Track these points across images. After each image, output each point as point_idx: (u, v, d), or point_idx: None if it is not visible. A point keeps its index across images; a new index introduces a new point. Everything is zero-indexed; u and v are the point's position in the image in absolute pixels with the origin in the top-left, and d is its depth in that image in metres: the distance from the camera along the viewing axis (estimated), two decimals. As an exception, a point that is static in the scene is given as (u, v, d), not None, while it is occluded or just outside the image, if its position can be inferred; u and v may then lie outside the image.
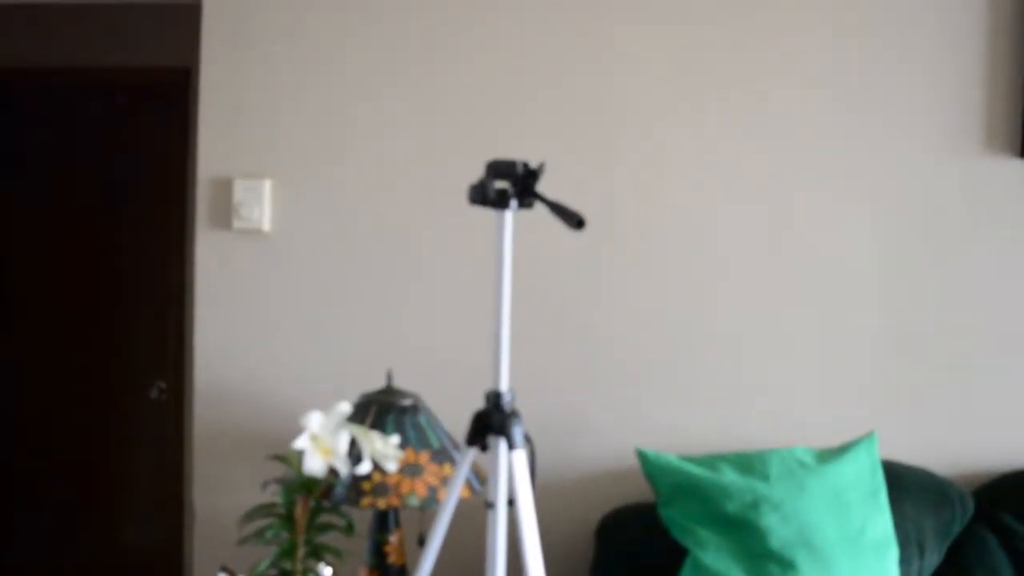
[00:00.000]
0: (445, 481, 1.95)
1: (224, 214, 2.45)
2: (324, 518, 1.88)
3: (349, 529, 1.88)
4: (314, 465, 1.70)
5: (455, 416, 2.34)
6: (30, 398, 3.81)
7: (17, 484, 3.84)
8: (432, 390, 2.38)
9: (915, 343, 2.35)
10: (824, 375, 2.36)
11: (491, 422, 1.58)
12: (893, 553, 1.99)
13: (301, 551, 1.83)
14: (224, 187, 2.45)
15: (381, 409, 2.02)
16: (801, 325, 2.37)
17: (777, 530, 1.91)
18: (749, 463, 2.04)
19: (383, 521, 2.05)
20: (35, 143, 3.78)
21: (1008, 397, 2.34)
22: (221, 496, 2.45)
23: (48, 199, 3.77)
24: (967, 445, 2.35)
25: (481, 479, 2.05)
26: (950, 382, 2.35)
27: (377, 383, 2.40)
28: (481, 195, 1.57)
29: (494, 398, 1.60)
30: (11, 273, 3.81)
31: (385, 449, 1.79)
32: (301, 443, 1.70)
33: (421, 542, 2.06)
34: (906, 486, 2.16)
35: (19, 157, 3.79)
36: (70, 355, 3.78)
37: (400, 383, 2.39)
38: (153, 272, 3.72)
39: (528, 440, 1.61)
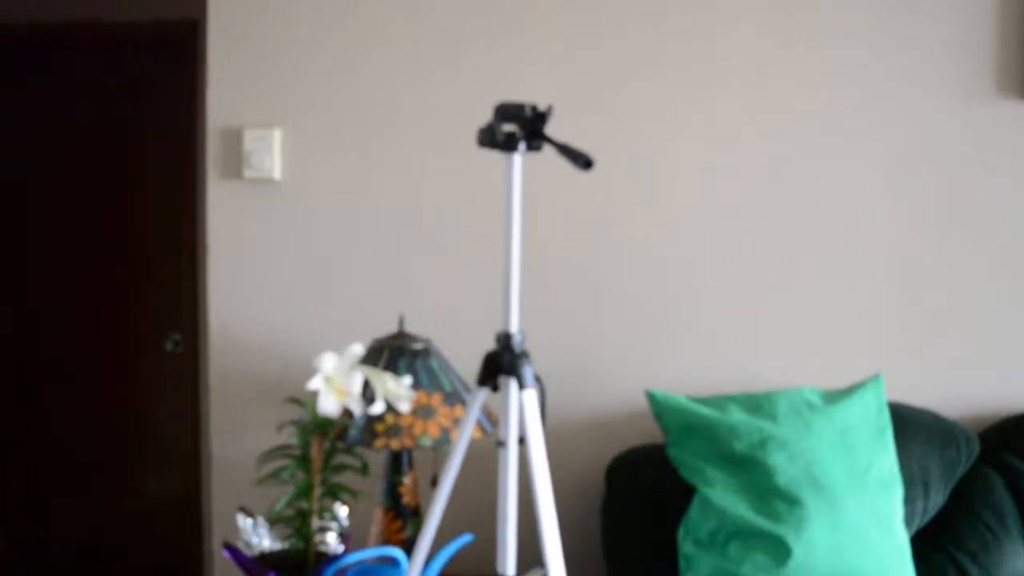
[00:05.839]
0: (457, 422, 1.98)
1: (235, 164, 2.47)
2: (339, 459, 1.92)
3: (364, 469, 1.92)
4: (328, 405, 1.74)
5: (466, 361, 2.37)
6: (45, 357, 3.86)
7: (36, 441, 3.90)
8: (443, 335, 2.40)
9: (923, 287, 2.36)
10: (833, 318, 2.38)
11: (502, 362, 1.60)
12: (898, 491, 2.01)
13: (317, 491, 1.87)
14: (234, 137, 2.46)
15: (393, 353, 2.05)
16: (810, 268, 2.38)
17: (784, 468, 1.93)
18: (757, 403, 2.07)
19: (397, 463, 2.09)
20: (44, 98, 3.78)
21: (1015, 341, 2.35)
22: (238, 442, 2.49)
23: (59, 154, 3.79)
24: (974, 388, 2.36)
25: (492, 421, 2.08)
26: (958, 326, 2.36)
27: (389, 328, 2.43)
28: (490, 138, 1.57)
29: (504, 339, 1.61)
30: (21, 227, 3.84)
31: (398, 389, 1.82)
32: (315, 384, 1.73)
33: (434, 483, 2.10)
34: (912, 427, 2.18)
35: (28, 112, 3.80)
36: (84, 311, 3.82)
37: (411, 328, 2.42)
38: (165, 225, 3.75)
39: (539, 380, 1.63)
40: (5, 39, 3.76)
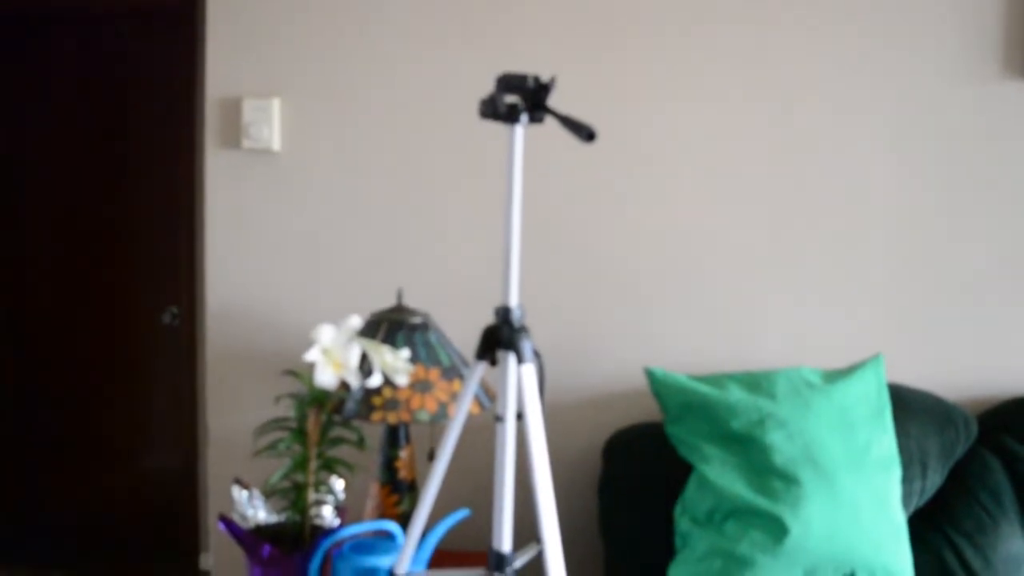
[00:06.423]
0: (455, 397, 1.97)
1: (233, 134, 2.45)
2: (336, 432, 1.91)
3: (360, 443, 1.91)
4: (325, 378, 1.73)
5: (465, 336, 2.37)
6: (42, 329, 3.85)
7: (33, 417, 3.90)
8: (442, 310, 2.40)
9: (925, 268, 2.35)
10: (833, 298, 2.37)
11: (501, 336, 1.58)
12: (896, 472, 2.01)
13: (313, 464, 1.86)
14: (233, 107, 2.44)
15: (391, 327, 2.04)
16: (811, 248, 2.36)
17: (782, 447, 1.93)
18: (756, 382, 2.06)
19: (394, 437, 2.08)
20: (43, 70, 3.75)
21: (1016, 324, 2.34)
22: (235, 414, 2.49)
23: (57, 125, 3.77)
24: (973, 370, 2.36)
25: (490, 396, 2.07)
26: (959, 308, 2.35)
27: (387, 302, 2.42)
28: (492, 109, 1.56)
29: (504, 313, 1.60)
30: (20, 201, 3.82)
31: (395, 362, 1.81)
32: (312, 356, 1.72)
33: (431, 457, 2.09)
34: (911, 408, 2.18)
35: (28, 84, 3.77)
36: (82, 284, 3.81)
37: (410, 302, 2.41)
38: (163, 196, 3.73)
39: (537, 355, 1.62)
40: (4, 14, 3.73)
